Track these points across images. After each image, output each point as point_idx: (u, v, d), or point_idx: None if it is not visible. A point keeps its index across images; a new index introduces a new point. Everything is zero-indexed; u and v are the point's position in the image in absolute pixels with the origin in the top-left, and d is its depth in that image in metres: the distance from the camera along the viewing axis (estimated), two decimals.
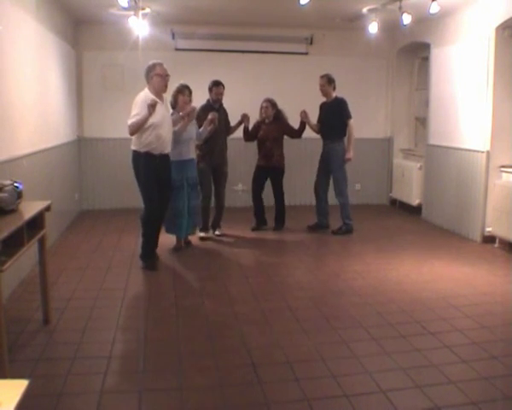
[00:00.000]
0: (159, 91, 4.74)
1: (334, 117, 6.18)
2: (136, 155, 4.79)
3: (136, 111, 4.61)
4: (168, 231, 5.46)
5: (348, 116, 6.19)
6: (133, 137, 4.76)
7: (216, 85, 5.88)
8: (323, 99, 6.49)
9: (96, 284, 4.40)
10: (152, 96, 4.61)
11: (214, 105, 5.88)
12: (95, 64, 7.49)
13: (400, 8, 5.91)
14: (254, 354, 3.14)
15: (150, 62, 4.79)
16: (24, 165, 4.58)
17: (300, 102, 7.49)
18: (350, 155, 6.22)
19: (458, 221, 6.39)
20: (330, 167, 6.30)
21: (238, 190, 7.86)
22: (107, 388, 2.74)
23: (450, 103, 6.56)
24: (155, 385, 2.79)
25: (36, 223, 3.32)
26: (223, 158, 5.99)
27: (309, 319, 3.70)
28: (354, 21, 6.98)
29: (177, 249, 5.49)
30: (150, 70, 4.73)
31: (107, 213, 7.48)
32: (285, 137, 6.37)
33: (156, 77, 4.71)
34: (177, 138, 5.16)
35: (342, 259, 5.28)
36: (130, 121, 4.63)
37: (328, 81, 6.23)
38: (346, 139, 6.26)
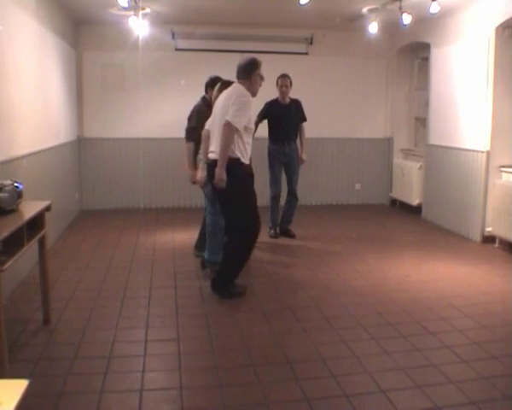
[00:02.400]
0: (254, 93, 4.06)
1: (296, 118, 5.96)
2: (236, 164, 3.89)
3: (244, 112, 3.87)
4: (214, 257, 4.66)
5: (305, 118, 6.02)
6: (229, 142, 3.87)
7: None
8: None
9: (96, 284, 4.40)
10: (249, 96, 3.93)
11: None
12: (95, 64, 7.49)
13: (400, 8, 5.92)
14: (254, 354, 3.14)
15: (253, 57, 4.09)
16: (24, 165, 4.58)
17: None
18: (305, 156, 6.06)
19: (458, 221, 6.39)
20: (291, 168, 6.03)
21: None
22: (107, 388, 2.74)
23: (450, 103, 6.56)
24: (155, 385, 2.79)
25: (36, 223, 3.32)
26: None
27: (309, 319, 3.70)
28: (354, 21, 6.98)
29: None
30: (255, 67, 4.03)
31: (107, 213, 7.48)
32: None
33: (258, 77, 4.05)
34: None
35: (342, 258, 5.28)
36: (239, 126, 3.84)
37: (290, 82, 5.92)
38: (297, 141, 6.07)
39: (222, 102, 4.01)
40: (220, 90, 4.36)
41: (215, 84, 4.73)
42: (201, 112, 4.84)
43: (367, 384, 2.79)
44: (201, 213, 5.34)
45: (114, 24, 6.99)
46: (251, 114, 4.00)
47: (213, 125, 4.07)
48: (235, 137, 3.85)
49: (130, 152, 7.70)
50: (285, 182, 6.14)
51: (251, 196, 4.04)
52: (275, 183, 6.05)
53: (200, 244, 5.13)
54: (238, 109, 3.80)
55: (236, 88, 3.98)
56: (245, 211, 3.98)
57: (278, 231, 6.14)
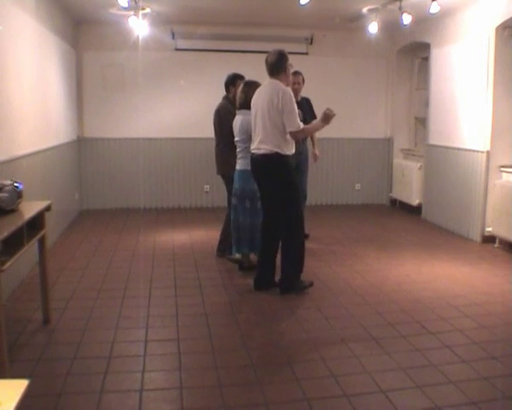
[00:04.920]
0: (289, 84, 4.16)
1: (308, 116, 5.78)
2: (283, 158, 4.04)
3: (296, 112, 3.98)
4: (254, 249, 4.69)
5: (316, 116, 5.72)
6: (272, 138, 3.99)
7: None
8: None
9: (96, 284, 4.40)
10: (290, 92, 4.00)
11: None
12: (95, 64, 7.50)
13: (400, 8, 5.92)
14: (254, 354, 3.14)
15: (281, 50, 4.11)
16: (24, 165, 4.58)
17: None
18: (318, 151, 6.10)
19: (458, 221, 6.39)
20: (302, 170, 5.87)
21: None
22: (107, 388, 2.73)
23: (450, 103, 6.56)
24: (155, 385, 2.79)
25: (36, 223, 3.32)
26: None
27: (309, 319, 3.70)
28: (354, 21, 6.98)
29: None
30: (286, 59, 4.09)
31: (107, 213, 7.48)
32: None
33: (288, 69, 4.12)
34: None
35: (342, 258, 5.28)
36: (300, 126, 3.98)
37: (303, 79, 5.85)
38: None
39: (264, 102, 4.02)
40: (244, 92, 4.49)
41: (236, 81, 4.92)
42: (231, 112, 4.84)
43: (367, 384, 2.79)
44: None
45: (114, 24, 6.99)
46: None
47: (256, 123, 4.13)
48: (283, 135, 3.99)
49: (130, 152, 7.70)
50: None
51: (296, 187, 4.18)
52: None
53: (223, 245, 5.16)
54: (292, 114, 3.93)
55: (277, 87, 3.99)
56: (292, 206, 4.09)
57: None
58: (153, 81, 7.56)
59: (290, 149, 4.09)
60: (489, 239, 5.84)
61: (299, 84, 5.79)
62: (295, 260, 4.18)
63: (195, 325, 3.62)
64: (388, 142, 8.33)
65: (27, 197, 3.50)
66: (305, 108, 5.84)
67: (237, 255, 4.80)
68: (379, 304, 3.99)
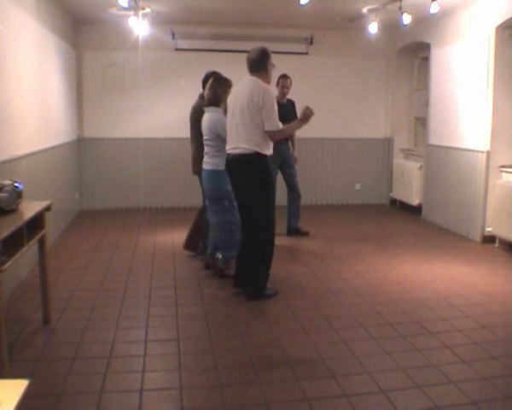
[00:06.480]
0: (270, 82, 4.04)
1: (292, 118, 5.99)
2: (262, 158, 3.90)
3: (276, 112, 3.88)
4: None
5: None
6: (252, 136, 3.86)
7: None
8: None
9: (96, 284, 4.40)
10: (273, 92, 3.91)
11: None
12: (95, 64, 7.50)
13: (400, 8, 5.92)
14: (254, 354, 3.14)
15: (263, 47, 4.04)
16: (24, 165, 4.58)
17: (300, 102, 7.48)
18: (297, 154, 6.30)
19: (458, 221, 6.39)
20: (289, 165, 6.10)
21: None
22: (107, 388, 2.73)
23: (450, 103, 6.56)
24: (155, 385, 2.79)
25: (36, 223, 3.32)
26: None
27: (309, 319, 3.70)
28: (354, 21, 6.98)
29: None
30: (267, 57, 3.98)
31: (107, 213, 7.48)
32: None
33: (272, 67, 4.02)
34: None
35: (342, 258, 5.28)
36: (279, 127, 3.90)
37: (291, 83, 6.00)
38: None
39: (243, 100, 3.87)
40: (213, 88, 4.34)
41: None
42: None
43: (367, 384, 2.79)
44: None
45: (114, 24, 6.99)
46: None
47: (233, 121, 3.95)
48: (263, 133, 3.86)
49: (130, 152, 7.70)
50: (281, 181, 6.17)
51: (274, 189, 4.08)
52: None
53: (193, 243, 5.12)
54: (271, 114, 3.82)
55: (258, 84, 3.89)
56: (269, 207, 3.97)
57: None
58: (153, 81, 7.56)
59: (269, 149, 3.95)
60: (489, 239, 5.84)
61: (287, 87, 5.97)
62: (265, 262, 4.05)
63: (195, 325, 3.62)
64: (388, 142, 8.33)
65: (27, 197, 3.50)
66: (290, 110, 5.91)
67: (218, 256, 4.62)
68: (379, 304, 3.99)
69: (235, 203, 4.22)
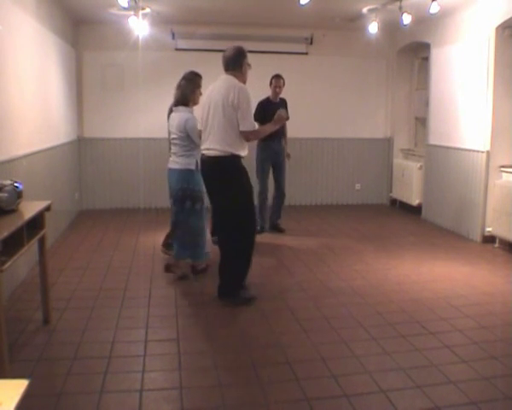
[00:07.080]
0: (245, 82, 3.93)
1: None
2: (237, 160, 3.84)
3: (251, 112, 3.83)
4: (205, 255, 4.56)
5: (289, 117, 6.00)
6: (226, 137, 3.77)
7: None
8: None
9: (96, 284, 4.40)
10: (247, 90, 3.82)
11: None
12: (95, 64, 7.49)
13: (400, 8, 5.92)
14: (254, 354, 3.14)
15: (239, 47, 3.99)
16: (24, 165, 4.58)
17: (300, 102, 7.50)
18: (289, 151, 6.43)
19: (458, 221, 6.39)
20: (280, 167, 6.28)
21: None
22: (107, 388, 2.73)
23: (450, 103, 6.56)
24: (155, 385, 2.79)
25: (36, 223, 3.32)
26: None
27: (309, 319, 3.70)
28: (354, 21, 6.98)
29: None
30: (244, 55, 3.93)
31: (107, 213, 7.48)
32: None
33: (247, 67, 3.95)
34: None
35: (342, 258, 5.28)
36: (255, 127, 3.87)
37: (283, 82, 6.13)
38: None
39: (218, 99, 3.78)
40: (181, 87, 4.34)
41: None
42: None
43: (367, 384, 2.79)
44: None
45: (114, 24, 6.99)
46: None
47: (208, 121, 3.87)
48: (238, 134, 3.77)
49: (130, 152, 7.70)
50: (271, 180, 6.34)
51: (250, 191, 4.00)
52: (263, 179, 6.22)
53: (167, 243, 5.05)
54: (246, 114, 3.75)
55: (233, 82, 3.80)
56: (244, 208, 3.88)
57: (266, 227, 6.28)
58: (153, 81, 7.55)
59: (244, 150, 3.87)
60: (489, 239, 5.84)
61: (280, 87, 6.10)
62: (241, 262, 3.95)
63: (195, 325, 3.62)
64: (388, 142, 8.33)
65: (27, 197, 3.49)
66: (282, 109, 5.90)
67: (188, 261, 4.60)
68: (379, 304, 3.99)
69: (205, 205, 4.25)
